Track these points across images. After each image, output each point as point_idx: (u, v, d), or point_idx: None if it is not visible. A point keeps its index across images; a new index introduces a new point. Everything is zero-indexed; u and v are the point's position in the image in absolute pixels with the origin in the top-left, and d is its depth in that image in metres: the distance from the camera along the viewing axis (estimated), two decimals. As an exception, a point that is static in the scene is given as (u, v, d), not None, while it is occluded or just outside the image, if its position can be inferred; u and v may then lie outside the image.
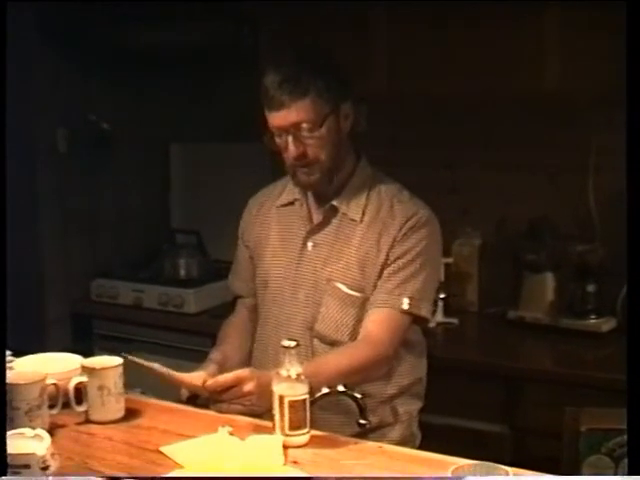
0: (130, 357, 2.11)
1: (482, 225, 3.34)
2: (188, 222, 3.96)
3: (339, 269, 2.26)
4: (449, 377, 2.79)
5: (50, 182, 3.56)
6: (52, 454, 1.76)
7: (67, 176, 3.61)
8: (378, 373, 2.27)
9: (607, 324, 3.00)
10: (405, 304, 2.23)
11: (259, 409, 2.04)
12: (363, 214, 2.27)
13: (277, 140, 2.20)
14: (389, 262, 2.24)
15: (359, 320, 2.25)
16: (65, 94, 3.55)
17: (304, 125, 2.14)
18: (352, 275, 2.25)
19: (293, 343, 1.92)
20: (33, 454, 1.71)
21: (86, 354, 2.28)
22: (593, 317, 3.01)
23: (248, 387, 1.97)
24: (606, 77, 2.71)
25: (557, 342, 2.98)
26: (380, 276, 2.24)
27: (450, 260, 3.25)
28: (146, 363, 2.08)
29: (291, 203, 2.37)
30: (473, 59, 2.95)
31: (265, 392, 1.95)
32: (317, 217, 2.32)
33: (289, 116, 2.13)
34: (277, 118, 2.15)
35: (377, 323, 2.22)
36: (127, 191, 3.89)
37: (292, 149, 2.16)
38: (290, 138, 2.16)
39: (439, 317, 3.18)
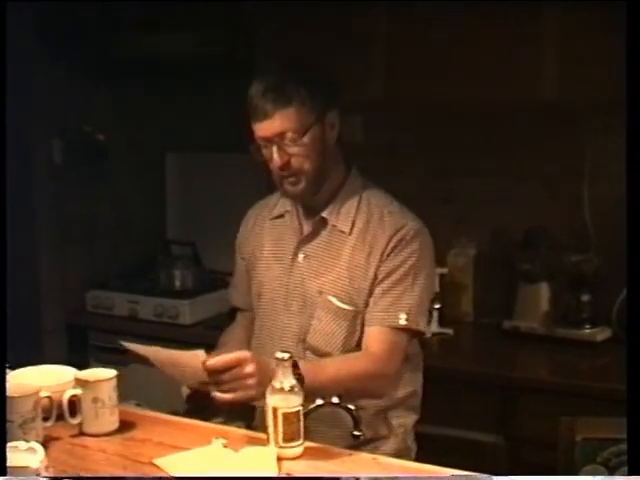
0: (126, 344, 2.09)
1: (477, 235, 3.34)
2: (184, 233, 3.96)
3: (330, 281, 2.26)
4: (444, 387, 2.78)
5: (46, 193, 3.55)
6: (46, 467, 1.75)
7: (63, 187, 3.61)
8: (377, 390, 2.24)
9: (602, 334, 3.00)
10: (402, 320, 2.21)
11: (257, 394, 1.97)
12: (352, 226, 2.26)
13: (263, 151, 2.20)
14: (381, 277, 2.23)
15: (350, 333, 2.25)
16: (60, 105, 3.55)
17: (288, 134, 2.14)
18: (343, 287, 2.24)
19: (287, 355, 1.92)
20: (27, 467, 1.71)
21: (81, 365, 2.28)
22: (588, 327, 3.01)
23: (249, 369, 1.93)
24: (604, 84, 2.72)
25: (552, 352, 2.98)
26: (372, 289, 2.23)
27: (445, 270, 3.25)
28: (142, 348, 2.06)
29: (282, 215, 2.38)
30: (470, 66, 2.96)
31: (264, 376, 1.93)
32: (307, 229, 2.32)
33: (273, 126, 2.13)
34: (262, 128, 2.16)
35: (376, 341, 2.21)
36: (123, 202, 3.89)
37: (277, 159, 2.15)
38: (275, 148, 2.15)
39: (434, 327, 3.18)
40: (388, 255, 2.22)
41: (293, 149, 2.16)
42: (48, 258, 3.59)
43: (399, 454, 2.27)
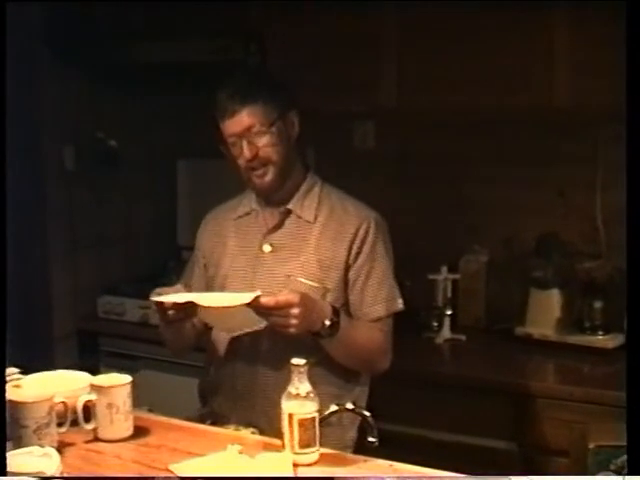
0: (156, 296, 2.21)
1: (489, 242, 3.34)
2: (195, 238, 3.95)
3: (298, 266, 2.36)
4: (456, 394, 2.78)
5: (58, 199, 3.56)
6: (61, 473, 1.75)
7: (75, 193, 3.62)
8: (381, 364, 2.38)
9: (614, 340, 2.98)
10: (400, 304, 2.41)
11: (295, 332, 2.14)
12: (316, 216, 2.41)
13: (232, 149, 2.36)
14: (366, 270, 2.36)
15: None
16: (73, 111, 3.56)
17: (256, 127, 2.31)
18: (311, 271, 2.35)
19: (302, 361, 1.92)
20: (42, 472, 1.71)
21: (92, 371, 2.28)
22: (600, 333, 3.00)
23: (294, 311, 2.10)
24: (615, 92, 2.71)
25: (564, 359, 2.97)
26: (346, 274, 2.35)
27: (457, 276, 3.25)
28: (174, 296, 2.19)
29: (248, 214, 2.50)
30: (483, 74, 2.95)
31: (308, 317, 2.13)
32: (272, 221, 2.44)
33: (242, 121, 2.31)
34: (231, 125, 2.33)
35: (382, 327, 2.38)
36: (134, 208, 3.90)
37: (247, 151, 2.32)
38: (244, 142, 2.32)
39: (446, 334, 3.18)
40: (361, 245, 2.37)
41: (261, 140, 2.32)
42: (60, 264, 3.59)
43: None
